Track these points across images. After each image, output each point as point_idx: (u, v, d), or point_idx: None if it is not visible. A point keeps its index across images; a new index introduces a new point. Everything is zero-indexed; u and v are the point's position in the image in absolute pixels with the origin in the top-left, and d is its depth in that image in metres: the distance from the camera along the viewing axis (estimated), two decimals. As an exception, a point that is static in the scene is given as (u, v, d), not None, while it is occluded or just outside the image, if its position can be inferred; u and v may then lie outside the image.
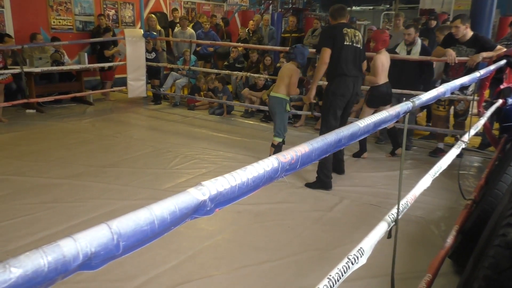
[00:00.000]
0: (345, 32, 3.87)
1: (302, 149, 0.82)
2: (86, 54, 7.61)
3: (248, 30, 9.01)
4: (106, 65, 7.85)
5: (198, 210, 0.59)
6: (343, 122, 4.12)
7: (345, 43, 3.86)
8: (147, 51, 7.71)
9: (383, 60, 4.66)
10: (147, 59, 7.71)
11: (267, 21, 9.55)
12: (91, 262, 0.45)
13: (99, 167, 4.37)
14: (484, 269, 1.40)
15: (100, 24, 8.22)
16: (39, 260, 0.42)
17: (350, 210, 3.59)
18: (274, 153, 4.39)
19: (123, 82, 7.72)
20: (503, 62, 3.99)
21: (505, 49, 4.36)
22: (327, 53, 3.87)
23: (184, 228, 3.06)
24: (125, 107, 7.59)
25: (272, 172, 0.72)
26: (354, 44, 3.90)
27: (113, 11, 9.76)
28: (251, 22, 9.26)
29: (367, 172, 4.53)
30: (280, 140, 4.46)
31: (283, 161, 0.75)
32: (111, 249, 0.46)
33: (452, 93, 4.53)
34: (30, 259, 0.41)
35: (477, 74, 2.81)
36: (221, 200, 0.63)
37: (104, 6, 9.52)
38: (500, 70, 4.18)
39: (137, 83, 7.47)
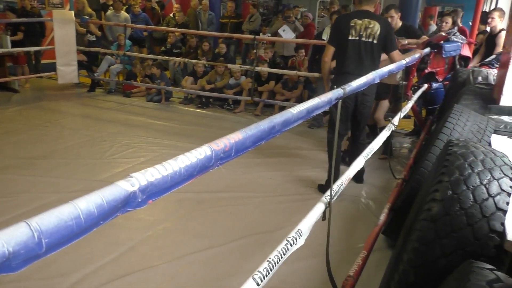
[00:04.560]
0: (352, 24, 3.40)
1: (236, 136, 0.82)
2: (8, 37, 7.01)
3: (173, 14, 8.86)
4: (33, 49, 7.32)
5: (129, 202, 0.57)
6: (355, 124, 3.70)
7: (349, 37, 3.41)
8: (89, 33, 7.31)
9: None
10: (89, 41, 7.33)
11: (206, 6, 9.30)
12: (10, 263, 0.41)
13: (28, 159, 4.09)
14: (412, 242, 1.51)
15: (24, 5, 7.60)
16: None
17: (291, 194, 3.68)
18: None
19: (52, 68, 7.23)
20: (427, 50, 4.25)
21: (427, 38, 4.64)
22: (328, 50, 3.57)
23: (122, 220, 2.97)
24: (55, 95, 7.13)
25: (205, 161, 0.71)
26: (364, 39, 3.40)
27: (38, -9, 9.07)
28: (175, 6, 9.14)
29: (305, 157, 4.65)
30: None
31: (216, 149, 0.74)
32: (33, 248, 0.43)
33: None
34: None
35: (403, 62, 2.97)
36: (154, 191, 0.61)
37: (28, -15, 8.80)
38: (423, 58, 4.44)
39: (67, 68, 7.03)
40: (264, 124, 0.94)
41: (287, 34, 7.25)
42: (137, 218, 3.08)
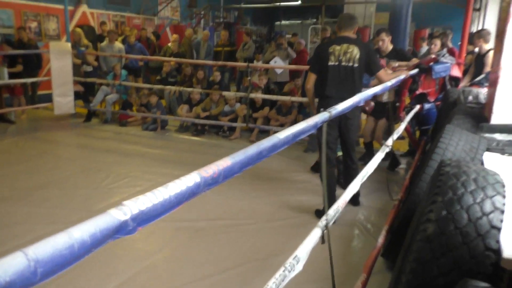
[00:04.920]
0: (331, 50, 3.55)
1: (224, 163, 0.84)
2: (5, 69, 7.09)
3: (170, 44, 8.99)
4: (29, 80, 7.38)
5: (120, 230, 0.58)
6: (343, 148, 3.78)
7: (329, 63, 3.55)
8: (85, 63, 7.43)
9: None
10: (85, 72, 7.43)
11: (207, 36, 9.41)
12: (6, 292, 0.42)
13: (23, 189, 4.08)
14: (410, 263, 1.51)
15: (21, 37, 7.72)
16: None
17: (288, 219, 3.66)
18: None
19: (48, 98, 7.29)
20: (415, 71, 4.34)
21: (417, 60, 4.74)
22: (309, 77, 3.73)
23: (120, 250, 2.95)
24: (51, 125, 7.17)
25: (194, 188, 0.73)
26: (343, 63, 3.53)
27: (35, 24, 9.25)
28: (174, 36, 9.23)
29: (301, 181, 4.65)
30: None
31: (205, 176, 0.76)
32: (28, 277, 0.44)
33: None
34: None
35: (388, 84, 3.03)
36: (144, 218, 0.63)
37: (25, 18, 8.99)
38: (414, 80, 4.53)
39: (64, 99, 7.09)
40: (252, 150, 0.97)
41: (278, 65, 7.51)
42: (135, 248, 3.05)
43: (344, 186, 3.89)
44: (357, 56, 3.51)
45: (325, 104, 3.51)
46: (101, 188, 4.24)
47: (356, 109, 3.62)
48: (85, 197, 3.97)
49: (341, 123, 3.61)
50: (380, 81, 3.61)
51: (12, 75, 7.17)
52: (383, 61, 4.75)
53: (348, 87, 3.52)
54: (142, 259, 2.92)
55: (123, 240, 0.62)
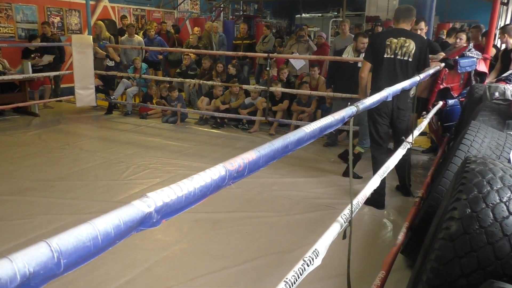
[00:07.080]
0: (388, 43, 3.52)
1: (249, 156, 0.82)
2: (29, 63, 7.25)
3: (191, 37, 9.02)
4: (52, 74, 7.53)
5: (144, 222, 0.58)
6: (396, 135, 3.70)
7: (385, 55, 3.53)
8: (108, 57, 7.53)
9: None
10: (107, 66, 7.54)
11: (216, 28, 9.50)
12: (29, 282, 0.42)
13: (46, 181, 4.17)
14: (431, 262, 1.47)
15: (45, 32, 7.88)
16: (-29, 284, 0.39)
17: (306, 213, 3.65)
18: (353, 163, 4.07)
19: (70, 91, 7.43)
20: (442, 65, 4.23)
21: (444, 54, 4.62)
22: (364, 66, 3.72)
23: (139, 240, 2.99)
24: (73, 118, 7.30)
25: (219, 181, 0.72)
26: (399, 57, 3.50)
27: (58, 18, 9.41)
28: (195, 28, 9.27)
29: (321, 176, 4.62)
30: (362, 150, 4.26)
31: (230, 169, 0.75)
32: (52, 268, 0.44)
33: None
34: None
35: (417, 78, 2.96)
36: (168, 211, 0.62)
37: (49, 13, 9.15)
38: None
39: (85, 92, 7.21)
40: (278, 143, 0.95)
41: (297, 62, 7.43)
42: (154, 239, 3.09)
43: (398, 174, 4.04)
44: (413, 51, 3.48)
45: None
46: (122, 179, 4.30)
47: (408, 101, 3.61)
48: (106, 189, 4.03)
49: (393, 114, 3.60)
50: None
51: (38, 70, 7.37)
52: None
53: (401, 81, 3.41)
54: (160, 250, 2.95)
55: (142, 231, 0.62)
